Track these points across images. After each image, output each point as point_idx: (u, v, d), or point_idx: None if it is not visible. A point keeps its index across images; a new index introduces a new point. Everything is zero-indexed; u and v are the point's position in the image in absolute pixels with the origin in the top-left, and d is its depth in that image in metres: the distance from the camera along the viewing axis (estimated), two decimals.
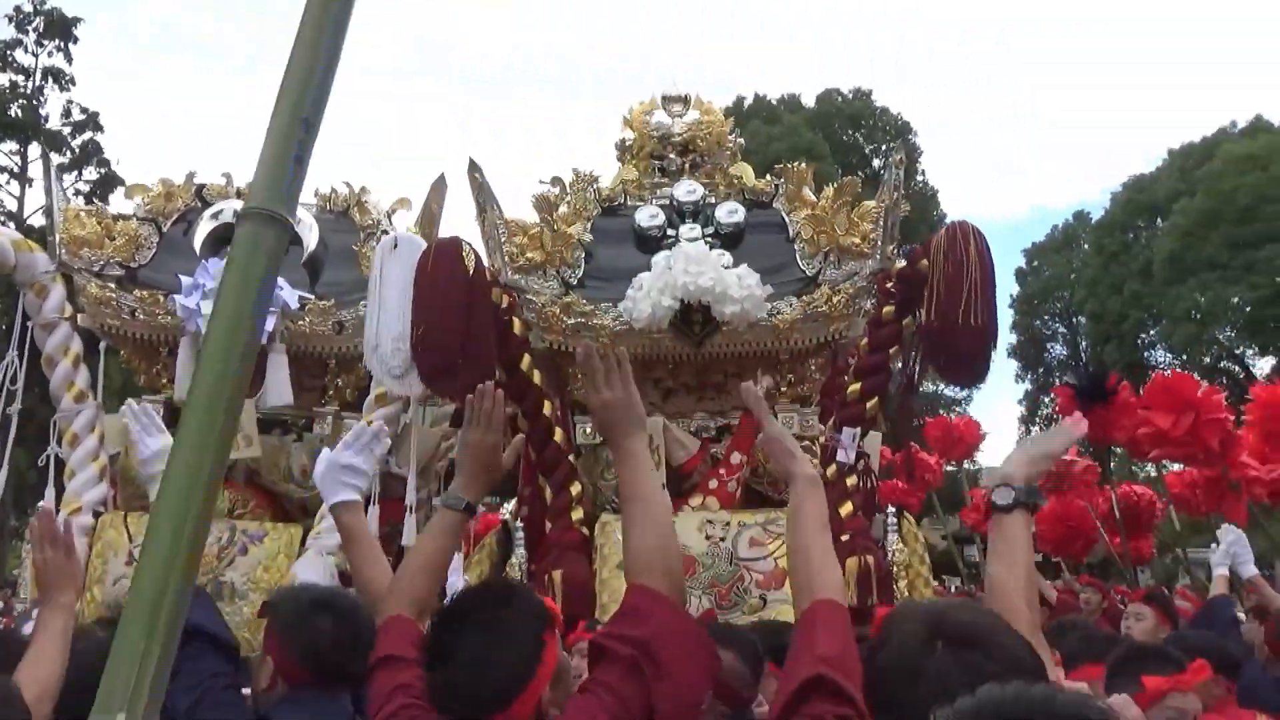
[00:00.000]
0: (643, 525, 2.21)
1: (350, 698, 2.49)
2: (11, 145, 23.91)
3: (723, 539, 5.79)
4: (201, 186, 7.81)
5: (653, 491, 2.31)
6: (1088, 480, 12.23)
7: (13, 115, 24.28)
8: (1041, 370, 41.65)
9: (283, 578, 6.50)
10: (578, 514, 6.10)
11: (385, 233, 7.50)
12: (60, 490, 7.17)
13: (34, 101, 24.37)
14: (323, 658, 2.29)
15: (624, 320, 6.27)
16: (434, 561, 2.35)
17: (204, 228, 7.50)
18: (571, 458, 6.43)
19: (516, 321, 6.17)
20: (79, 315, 7.23)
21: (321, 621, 2.29)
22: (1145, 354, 37.34)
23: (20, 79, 24.77)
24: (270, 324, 6.87)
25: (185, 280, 6.92)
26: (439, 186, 7.43)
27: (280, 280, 6.92)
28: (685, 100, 7.69)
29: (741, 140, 7.82)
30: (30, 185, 24.58)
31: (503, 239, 6.35)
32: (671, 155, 7.37)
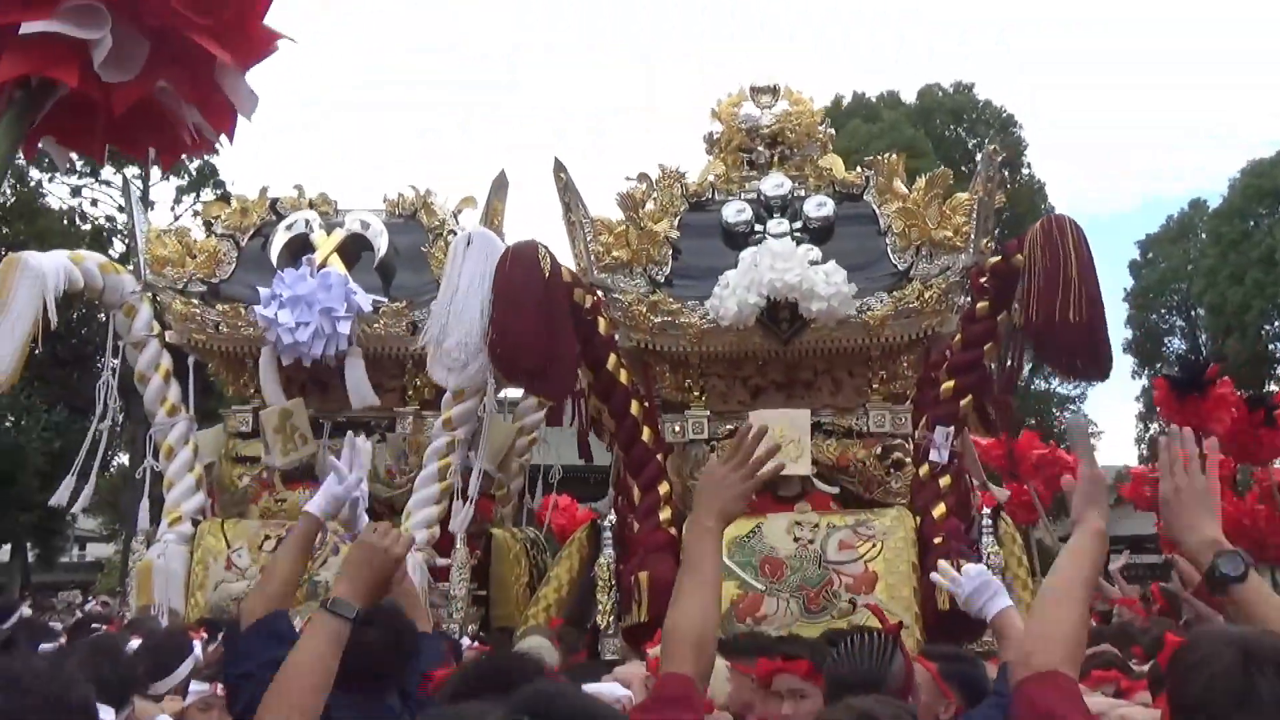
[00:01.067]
0: (695, 601, 2.23)
1: (399, 696, 2.64)
2: (133, 170, 25.20)
3: (811, 541, 5.73)
4: (275, 200, 8.06)
5: (714, 573, 2.32)
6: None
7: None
8: (1160, 365, 39.94)
9: None
10: (666, 514, 6.07)
11: (453, 232, 7.61)
12: (155, 502, 7.45)
13: None
14: (368, 667, 2.37)
15: (711, 318, 6.21)
16: (320, 680, 2.28)
17: (279, 239, 7.73)
18: (660, 456, 6.37)
19: (602, 320, 6.18)
20: (166, 332, 7.48)
21: (367, 634, 2.35)
22: (1271, 346, 35.71)
23: None
24: (346, 328, 7.00)
25: (264, 291, 7.10)
26: (501, 184, 7.50)
27: (353, 285, 7.06)
28: (774, 91, 7.59)
29: (832, 131, 7.71)
30: (153, 207, 25.89)
31: (588, 238, 6.33)
32: (760, 148, 7.28)
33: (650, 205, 6.81)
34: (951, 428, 6.21)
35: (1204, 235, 38.53)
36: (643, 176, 6.92)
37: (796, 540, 5.77)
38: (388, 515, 7.28)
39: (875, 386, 6.65)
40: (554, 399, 6.10)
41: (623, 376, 6.24)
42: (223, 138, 2.17)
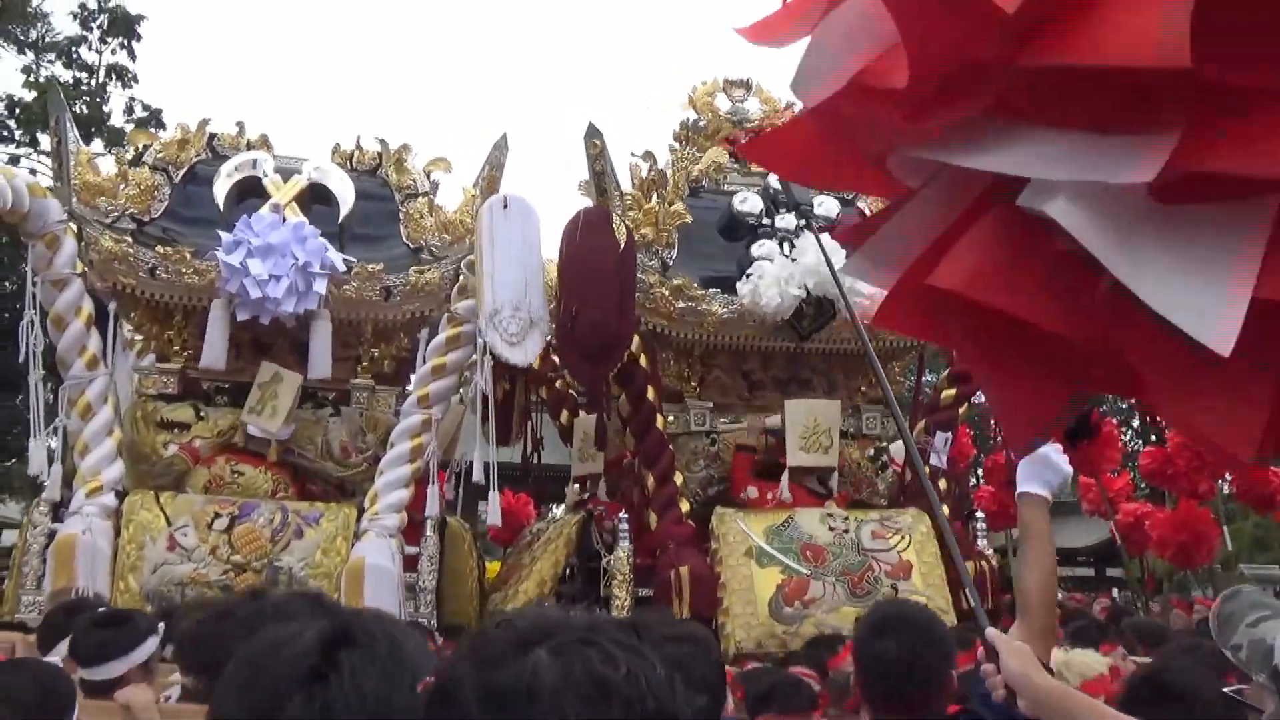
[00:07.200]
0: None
1: None
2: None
3: (846, 530, 6.00)
4: (213, 136, 7.47)
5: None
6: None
7: (77, 111, 23.24)
8: None
9: (343, 562, 6.27)
10: (685, 506, 6.11)
11: (425, 194, 7.33)
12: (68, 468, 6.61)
13: (97, 99, 23.40)
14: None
15: (733, 309, 6.34)
16: None
17: (225, 180, 7.20)
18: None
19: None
20: (88, 272, 6.72)
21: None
22: None
23: (84, 75, 23.86)
24: (321, 287, 6.59)
25: (226, 236, 6.57)
26: (501, 146, 7.31)
27: (324, 242, 6.66)
28: (747, 85, 7.85)
29: None
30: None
31: (620, 212, 6.29)
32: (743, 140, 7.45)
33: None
34: (950, 433, 6.62)
35: None
36: (648, 155, 6.96)
37: (832, 530, 6.02)
38: (338, 497, 6.89)
39: (864, 390, 6.98)
40: (597, 382, 5.98)
41: (643, 361, 6.25)
42: None
